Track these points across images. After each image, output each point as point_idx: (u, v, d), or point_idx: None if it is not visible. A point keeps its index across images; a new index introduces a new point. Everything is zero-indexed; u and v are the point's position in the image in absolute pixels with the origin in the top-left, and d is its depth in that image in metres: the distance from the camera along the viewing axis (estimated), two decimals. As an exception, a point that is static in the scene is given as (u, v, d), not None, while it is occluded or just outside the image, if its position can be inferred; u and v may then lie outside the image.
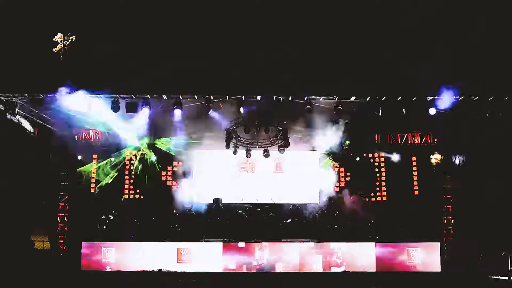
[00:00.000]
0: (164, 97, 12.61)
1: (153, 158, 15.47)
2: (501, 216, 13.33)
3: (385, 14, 12.57)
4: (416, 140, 15.27)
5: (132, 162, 15.45)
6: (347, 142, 15.38)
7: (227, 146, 13.88)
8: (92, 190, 15.20)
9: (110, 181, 15.35)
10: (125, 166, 15.51)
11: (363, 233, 13.35)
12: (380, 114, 12.30)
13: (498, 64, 11.84)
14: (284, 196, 15.36)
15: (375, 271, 12.24)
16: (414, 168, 15.46)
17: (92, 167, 15.34)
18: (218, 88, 12.25)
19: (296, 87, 12.11)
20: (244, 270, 12.22)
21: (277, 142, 14.11)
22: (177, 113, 12.75)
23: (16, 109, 12.61)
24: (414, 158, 15.40)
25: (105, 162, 15.38)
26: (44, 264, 12.68)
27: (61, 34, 12.04)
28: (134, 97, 12.41)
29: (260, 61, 12.05)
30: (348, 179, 15.59)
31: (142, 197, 15.31)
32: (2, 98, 12.16)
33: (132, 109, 12.45)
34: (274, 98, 12.40)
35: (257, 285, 11.30)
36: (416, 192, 15.32)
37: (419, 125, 14.69)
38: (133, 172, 15.42)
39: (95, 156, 15.42)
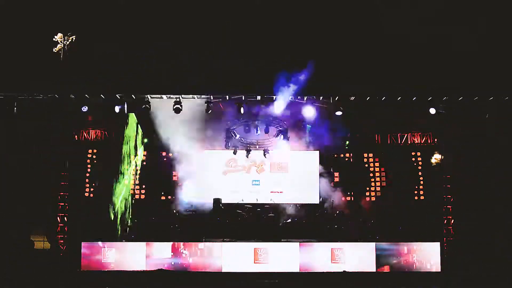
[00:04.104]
0: (165, 97, 12.61)
1: None
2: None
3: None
4: (416, 140, 15.27)
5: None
6: (347, 142, 15.40)
7: (227, 146, 13.89)
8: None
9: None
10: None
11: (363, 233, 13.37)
12: None
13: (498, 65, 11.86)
14: (284, 196, 15.38)
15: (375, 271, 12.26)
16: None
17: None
18: (218, 88, 12.27)
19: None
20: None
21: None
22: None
23: None
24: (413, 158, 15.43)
25: None
26: (44, 264, 12.67)
27: (61, 34, 12.03)
28: (134, 97, 12.42)
29: (259, 60, 12.06)
30: (344, 179, 15.59)
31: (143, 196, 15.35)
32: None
33: (132, 109, 12.48)
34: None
35: (258, 285, 11.34)
36: (416, 192, 15.32)
37: (419, 125, 14.70)
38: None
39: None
